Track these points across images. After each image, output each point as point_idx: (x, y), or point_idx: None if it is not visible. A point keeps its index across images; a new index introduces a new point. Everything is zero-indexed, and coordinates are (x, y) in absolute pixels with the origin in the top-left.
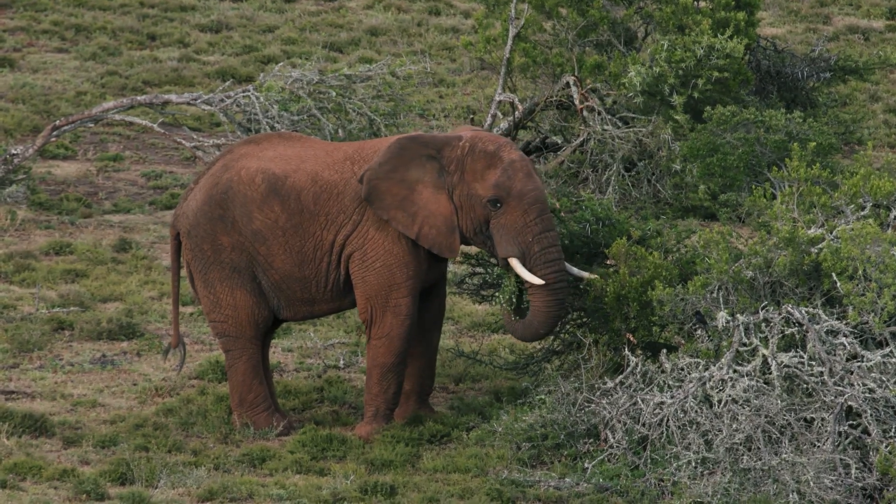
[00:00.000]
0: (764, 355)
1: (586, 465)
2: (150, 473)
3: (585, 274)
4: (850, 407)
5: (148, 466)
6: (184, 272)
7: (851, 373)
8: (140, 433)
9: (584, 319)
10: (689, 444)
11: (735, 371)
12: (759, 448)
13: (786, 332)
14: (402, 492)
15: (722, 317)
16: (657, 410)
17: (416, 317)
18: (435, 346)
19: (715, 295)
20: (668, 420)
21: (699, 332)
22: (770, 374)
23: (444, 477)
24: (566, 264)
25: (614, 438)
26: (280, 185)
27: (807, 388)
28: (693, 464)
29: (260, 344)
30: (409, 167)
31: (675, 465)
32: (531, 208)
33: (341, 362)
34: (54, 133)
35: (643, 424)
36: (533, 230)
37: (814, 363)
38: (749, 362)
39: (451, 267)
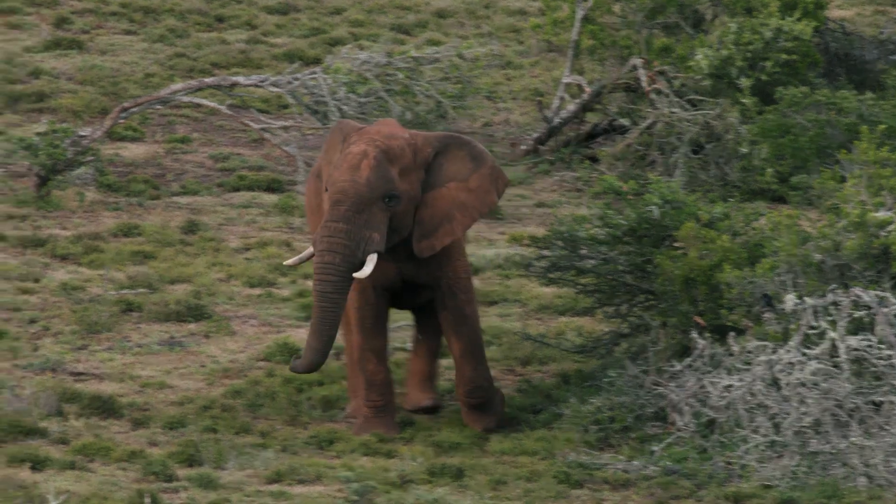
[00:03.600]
0: (832, 338)
1: (654, 447)
2: (218, 455)
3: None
4: None
5: (216, 448)
6: None
7: None
8: (208, 415)
9: (653, 302)
10: (757, 427)
11: (803, 354)
12: (827, 431)
13: (854, 315)
14: (469, 474)
15: (790, 299)
16: (725, 393)
17: (372, 309)
18: (438, 348)
19: (783, 278)
20: (735, 403)
21: (767, 314)
22: (838, 357)
23: (512, 460)
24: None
25: (682, 421)
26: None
27: (875, 372)
28: (761, 447)
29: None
30: (333, 150)
31: (742, 448)
32: (330, 198)
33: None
34: (122, 115)
35: (711, 407)
36: (324, 218)
37: (882, 346)
38: (817, 345)
39: (517, 249)
